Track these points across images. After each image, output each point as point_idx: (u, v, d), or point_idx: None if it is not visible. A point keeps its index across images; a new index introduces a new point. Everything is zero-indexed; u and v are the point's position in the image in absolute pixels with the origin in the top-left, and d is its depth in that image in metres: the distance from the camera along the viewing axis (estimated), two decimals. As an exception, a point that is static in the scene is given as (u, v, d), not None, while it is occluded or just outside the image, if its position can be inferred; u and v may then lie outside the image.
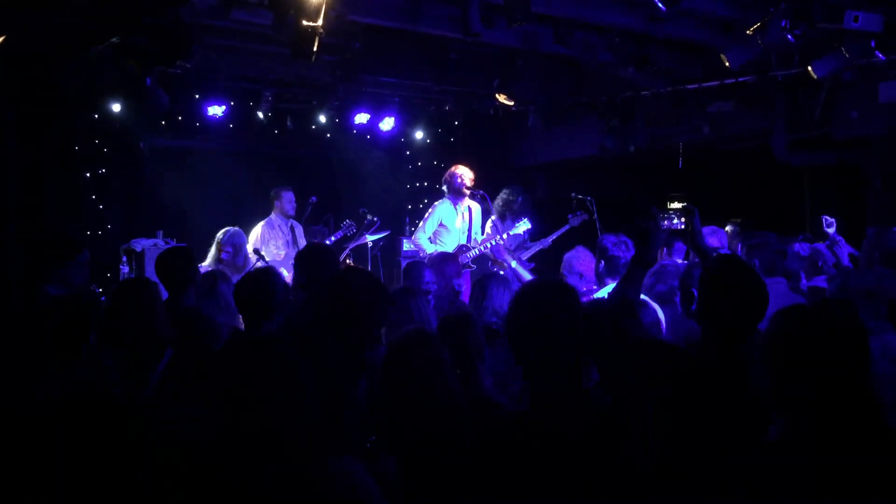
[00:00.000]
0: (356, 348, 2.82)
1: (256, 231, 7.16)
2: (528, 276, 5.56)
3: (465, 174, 7.08)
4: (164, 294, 3.86)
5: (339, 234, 7.09)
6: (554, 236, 7.51)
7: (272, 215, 7.28)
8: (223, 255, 5.96)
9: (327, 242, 6.93)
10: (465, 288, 5.89)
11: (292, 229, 7.32)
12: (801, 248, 5.34)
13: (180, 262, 4.29)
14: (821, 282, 4.96)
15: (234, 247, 6.02)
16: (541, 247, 7.54)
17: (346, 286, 2.92)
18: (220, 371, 2.06)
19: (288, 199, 7.28)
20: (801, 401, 1.97)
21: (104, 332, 3.07)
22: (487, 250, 6.94)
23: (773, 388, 2.02)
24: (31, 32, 5.71)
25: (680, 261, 5.30)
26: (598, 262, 4.34)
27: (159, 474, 2.23)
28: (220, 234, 6.10)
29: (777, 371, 2.01)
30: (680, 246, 5.62)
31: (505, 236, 7.00)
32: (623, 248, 4.25)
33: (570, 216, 7.57)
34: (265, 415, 1.94)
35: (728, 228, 6.68)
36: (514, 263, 5.83)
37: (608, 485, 2.16)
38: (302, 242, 7.29)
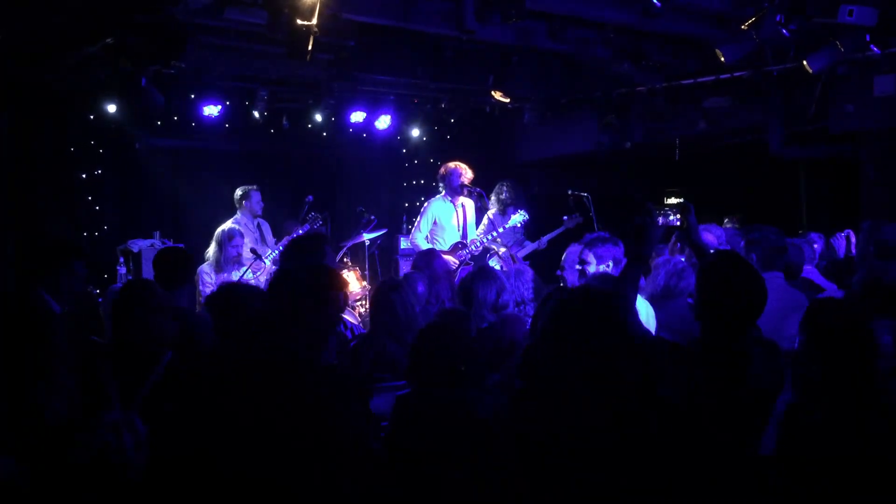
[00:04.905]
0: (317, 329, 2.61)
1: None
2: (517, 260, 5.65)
3: (465, 173, 7.00)
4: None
5: (306, 227, 6.98)
6: (549, 237, 7.52)
7: (238, 215, 7.24)
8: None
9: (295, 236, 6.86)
10: None
11: (259, 227, 7.33)
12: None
13: (178, 263, 4.30)
14: (810, 272, 4.99)
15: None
16: (536, 247, 7.55)
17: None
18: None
19: (257, 200, 7.29)
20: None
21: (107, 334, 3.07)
22: (484, 246, 6.94)
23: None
24: (24, 33, 5.69)
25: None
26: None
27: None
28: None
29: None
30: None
31: (501, 230, 7.00)
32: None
33: (565, 218, 7.57)
34: None
35: (726, 223, 6.68)
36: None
37: None
38: (269, 240, 7.33)
